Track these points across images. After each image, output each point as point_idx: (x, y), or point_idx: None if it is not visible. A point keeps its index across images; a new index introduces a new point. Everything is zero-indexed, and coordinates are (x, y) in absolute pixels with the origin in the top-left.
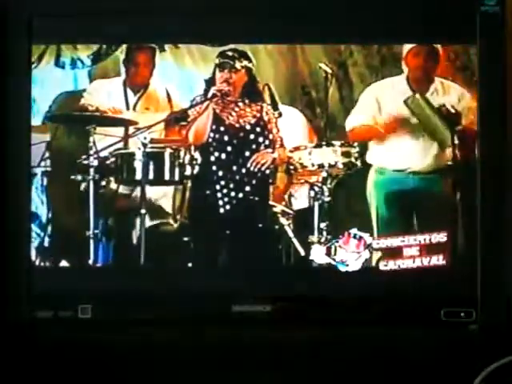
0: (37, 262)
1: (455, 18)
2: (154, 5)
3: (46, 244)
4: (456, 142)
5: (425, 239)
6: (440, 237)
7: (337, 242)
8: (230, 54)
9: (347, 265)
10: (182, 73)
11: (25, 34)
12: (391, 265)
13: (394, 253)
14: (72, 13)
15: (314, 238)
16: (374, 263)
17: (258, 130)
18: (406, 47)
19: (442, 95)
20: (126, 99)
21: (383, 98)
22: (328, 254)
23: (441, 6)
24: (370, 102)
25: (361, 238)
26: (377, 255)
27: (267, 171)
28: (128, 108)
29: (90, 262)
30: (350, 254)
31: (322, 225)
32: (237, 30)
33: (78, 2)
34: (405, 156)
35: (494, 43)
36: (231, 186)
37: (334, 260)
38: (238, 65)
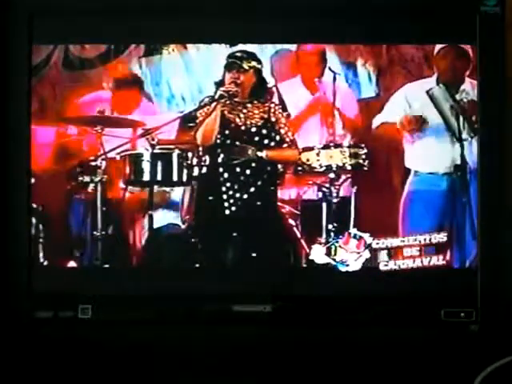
0: (37, 262)
1: (455, 18)
2: (157, 4)
3: (48, 244)
4: (467, 139)
5: (425, 239)
6: (440, 237)
7: (337, 242)
8: (238, 54)
9: (347, 265)
10: (190, 74)
11: (25, 34)
12: (391, 265)
13: (394, 253)
14: (73, 12)
15: (321, 239)
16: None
17: (265, 131)
18: (436, 48)
19: (472, 94)
20: None
21: (413, 98)
22: (328, 254)
23: (441, 6)
24: (400, 103)
25: (361, 237)
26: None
27: (275, 172)
28: None
29: (94, 262)
30: (349, 254)
31: (330, 226)
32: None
33: (78, 2)
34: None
35: (494, 43)
36: (239, 187)
37: (334, 260)
38: (245, 65)
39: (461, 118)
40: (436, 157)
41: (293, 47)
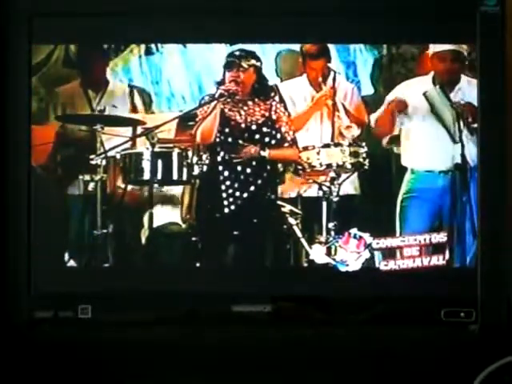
0: (37, 262)
1: (455, 18)
2: (157, 4)
3: (47, 244)
4: (466, 138)
5: (425, 239)
6: (440, 237)
7: (337, 242)
8: (237, 53)
9: (347, 265)
10: (190, 72)
11: (25, 34)
12: (391, 265)
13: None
14: (73, 12)
15: (322, 238)
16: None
17: (266, 129)
18: (432, 49)
19: (468, 93)
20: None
21: (409, 97)
22: (328, 254)
23: (441, 6)
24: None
25: (361, 237)
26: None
27: (276, 171)
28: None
29: (94, 262)
30: (349, 254)
31: (330, 225)
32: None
33: (78, 2)
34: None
35: (494, 43)
36: (239, 185)
37: (334, 260)
38: (245, 63)
39: (459, 117)
40: (434, 155)
41: (297, 46)
